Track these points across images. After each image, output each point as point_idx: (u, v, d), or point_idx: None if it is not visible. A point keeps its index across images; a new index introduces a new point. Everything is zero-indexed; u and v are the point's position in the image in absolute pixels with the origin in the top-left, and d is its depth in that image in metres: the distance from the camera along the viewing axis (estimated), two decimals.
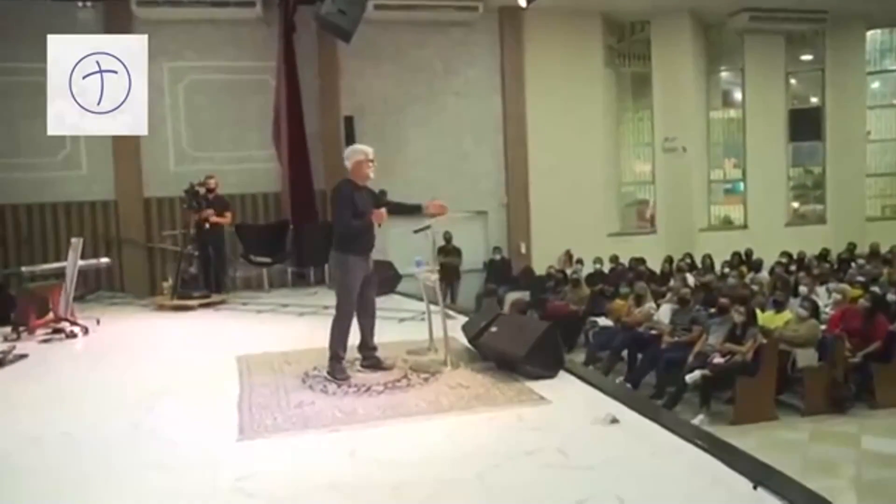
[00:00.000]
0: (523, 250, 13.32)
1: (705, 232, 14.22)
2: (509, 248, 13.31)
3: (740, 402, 6.93)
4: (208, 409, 4.52)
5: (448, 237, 12.80)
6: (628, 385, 7.91)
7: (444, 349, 5.37)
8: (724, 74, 14.79)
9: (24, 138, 10.74)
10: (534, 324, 5.12)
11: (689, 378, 7.09)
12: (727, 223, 14.82)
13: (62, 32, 10.72)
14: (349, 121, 12.07)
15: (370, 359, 5.28)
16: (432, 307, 5.86)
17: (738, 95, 14.68)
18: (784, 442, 6.45)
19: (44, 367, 5.96)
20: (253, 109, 11.80)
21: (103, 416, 4.43)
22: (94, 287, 11.34)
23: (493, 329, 5.29)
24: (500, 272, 13.03)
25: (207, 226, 9.30)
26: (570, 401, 4.38)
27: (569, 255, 13.24)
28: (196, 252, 9.51)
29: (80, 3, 11.08)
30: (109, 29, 11.20)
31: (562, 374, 4.95)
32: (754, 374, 6.96)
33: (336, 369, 5.01)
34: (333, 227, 5.17)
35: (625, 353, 8.68)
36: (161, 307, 9.02)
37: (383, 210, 5.11)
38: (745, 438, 6.55)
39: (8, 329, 7.36)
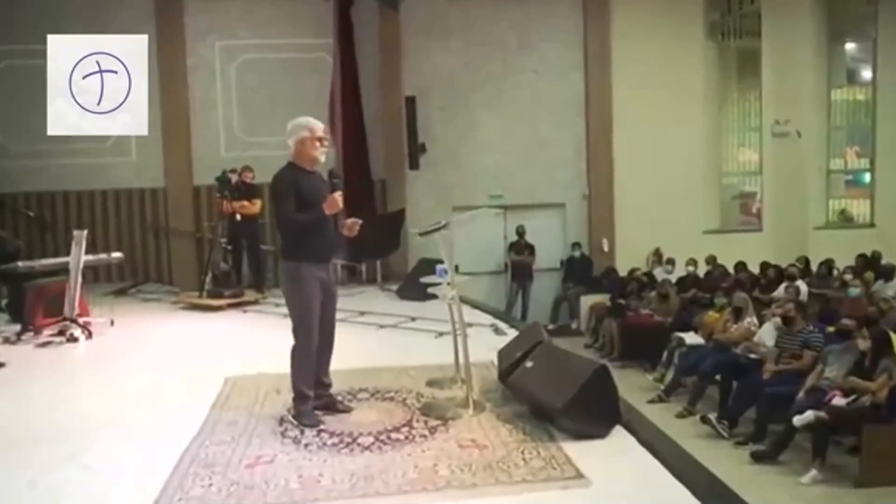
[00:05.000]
0: (606, 248, 11.84)
1: (821, 230, 12.24)
2: (590, 245, 11.89)
3: (868, 458, 5.33)
4: (142, 458, 3.51)
5: (521, 231, 11.54)
6: (723, 422, 6.40)
7: (468, 385, 4.14)
8: (849, 47, 12.72)
9: None
10: (580, 363, 3.78)
11: (798, 421, 5.53)
12: (849, 220, 12.76)
13: (114, 14, 10.43)
14: (411, 102, 10.95)
15: (322, 398, 4.09)
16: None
17: (867, 72, 12.55)
18: None
19: (8, 382, 5.14)
20: (309, 90, 10.83)
21: (14, 460, 3.50)
22: (143, 279, 10.81)
23: (529, 364, 4.00)
24: (578, 272, 11.65)
25: (238, 217, 8.41)
26: (616, 481, 3.08)
27: (658, 254, 11.69)
28: (229, 246, 8.65)
29: None
30: (161, 6, 10.68)
31: (618, 430, 3.63)
32: (889, 422, 5.33)
33: (302, 413, 3.90)
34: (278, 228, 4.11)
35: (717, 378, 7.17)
36: (191, 306, 8.20)
37: (337, 195, 3.90)
38: None
39: (18, 327, 6.76)
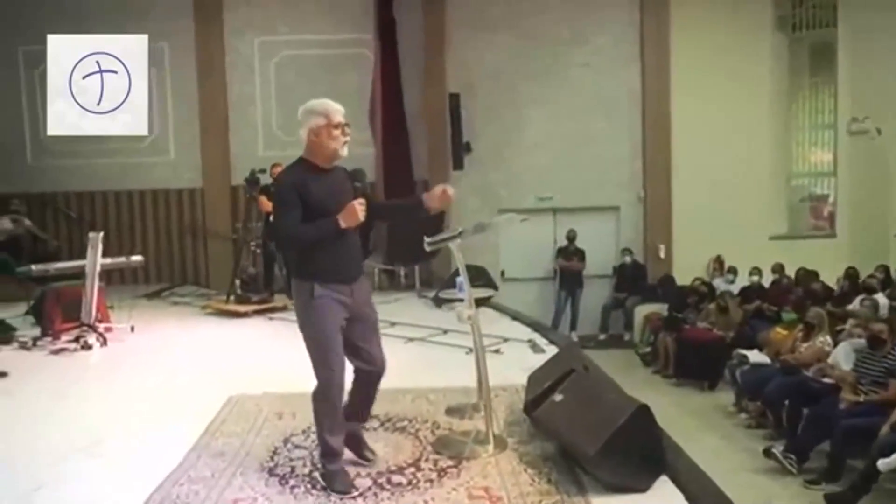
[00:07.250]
0: (662, 254, 11.06)
1: None
2: (645, 250, 11.13)
3: None
4: (108, 495, 3.08)
5: (571, 236, 10.90)
6: (791, 456, 5.65)
7: (487, 418, 3.58)
8: None
9: None
10: (617, 400, 3.17)
11: (883, 465, 4.78)
12: None
13: (151, 7, 10.24)
14: (455, 99, 10.45)
15: (350, 438, 3.28)
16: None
17: None
18: None
19: (3, 394, 4.80)
20: (350, 87, 10.37)
21: None
22: (180, 281, 10.61)
23: (558, 397, 3.40)
24: (631, 279, 10.92)
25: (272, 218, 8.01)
26: None
27: (719, 262, 10.84)
28: (258, 249, 8.29)
29: None
30: (197, 3, 10.39)
31: (662, 482, 3.02)
32: None
33: (331, 473, 3.08)
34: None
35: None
36: (217, 311, 7.86)
37: (356, 203, 2.99)
38: None
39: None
